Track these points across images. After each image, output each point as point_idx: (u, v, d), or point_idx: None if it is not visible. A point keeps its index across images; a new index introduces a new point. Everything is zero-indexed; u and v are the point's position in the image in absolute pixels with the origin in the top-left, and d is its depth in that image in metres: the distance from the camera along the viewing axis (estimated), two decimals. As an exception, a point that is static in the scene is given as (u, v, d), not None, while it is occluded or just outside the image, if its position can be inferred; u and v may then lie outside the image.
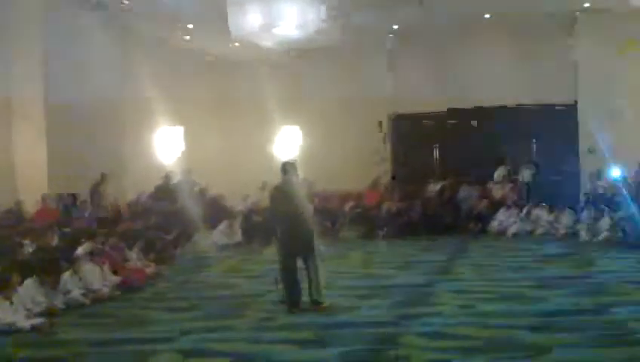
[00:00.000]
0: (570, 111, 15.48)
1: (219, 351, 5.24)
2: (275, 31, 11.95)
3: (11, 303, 6.26)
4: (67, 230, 10.16)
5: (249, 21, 12.12)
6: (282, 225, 6.69)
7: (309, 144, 17.88)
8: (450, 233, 12.54)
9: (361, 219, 13.11)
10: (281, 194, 6.85)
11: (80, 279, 7.39)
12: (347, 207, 13.54)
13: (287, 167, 6.93)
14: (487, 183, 14.59)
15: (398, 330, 5.68)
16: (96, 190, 12.38)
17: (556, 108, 15.66)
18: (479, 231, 12.55)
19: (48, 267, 7.32)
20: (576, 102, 15.52)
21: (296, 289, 6.53)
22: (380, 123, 16.82)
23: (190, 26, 15.36)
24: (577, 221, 11.67)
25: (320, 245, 6.83)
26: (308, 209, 6.79)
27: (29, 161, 12.05)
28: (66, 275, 7.29)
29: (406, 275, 8.39)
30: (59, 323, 6.34)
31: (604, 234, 10.72)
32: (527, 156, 15.56)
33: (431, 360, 4.77)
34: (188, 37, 16.34)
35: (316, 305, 6.48)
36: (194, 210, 13.46)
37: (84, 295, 7.21)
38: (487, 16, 15.65)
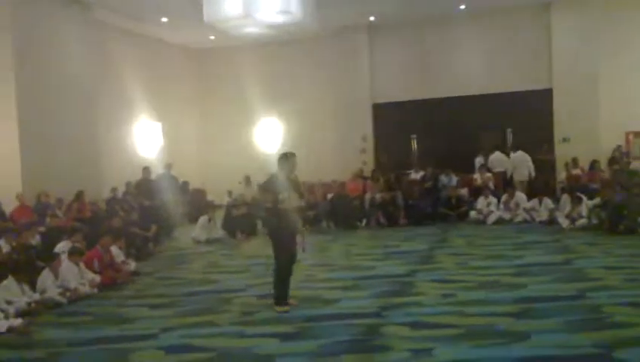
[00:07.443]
0: (544, 99, 15.68)
1: (200, 347, 5.20)
2: (256, 16, 11.74)
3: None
4: (42, 229, 9.99)
5: (226, 9, 11.92)
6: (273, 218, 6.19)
7: (289, 135, 17.84)
8: (431, 222, 12.64)
9: (342, 210, 13.06)
10: (269, 186, 6.28)
11: (57, 278, 7.26)
12: (329, 197, 13.48)
13: (279, 160, 6.37)
14: (467, 172, 14.71)
15: (379, 321, 5.70)
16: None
17: (531, 96, 15.83)
18: (459, 219, 12.66)
19: (24, 266, 7.20)
20: (551, 89, 15.72)
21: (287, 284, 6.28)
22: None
23: (164, 19, 15.20)
24: (555, 208, 11.83)
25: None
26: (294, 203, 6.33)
27: (1, 159, 11.78)
28: (43, 274, 7.17)
29: (387, 266, 8.42)
30: (36, 323, 6.22)
31: (581, 221, 10.88)
32: (503, 145, 15.71)
33: (413, 350, 4.79)
34: (164, 31, 16.16)
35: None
36: (174, 204, 13.35)
37: (61, 294, 7.09)
38: (462, 7, 15.76)
